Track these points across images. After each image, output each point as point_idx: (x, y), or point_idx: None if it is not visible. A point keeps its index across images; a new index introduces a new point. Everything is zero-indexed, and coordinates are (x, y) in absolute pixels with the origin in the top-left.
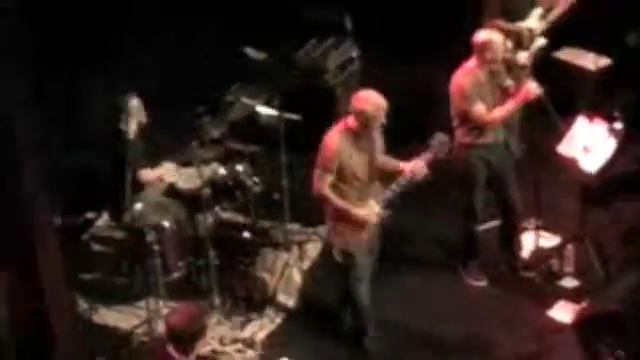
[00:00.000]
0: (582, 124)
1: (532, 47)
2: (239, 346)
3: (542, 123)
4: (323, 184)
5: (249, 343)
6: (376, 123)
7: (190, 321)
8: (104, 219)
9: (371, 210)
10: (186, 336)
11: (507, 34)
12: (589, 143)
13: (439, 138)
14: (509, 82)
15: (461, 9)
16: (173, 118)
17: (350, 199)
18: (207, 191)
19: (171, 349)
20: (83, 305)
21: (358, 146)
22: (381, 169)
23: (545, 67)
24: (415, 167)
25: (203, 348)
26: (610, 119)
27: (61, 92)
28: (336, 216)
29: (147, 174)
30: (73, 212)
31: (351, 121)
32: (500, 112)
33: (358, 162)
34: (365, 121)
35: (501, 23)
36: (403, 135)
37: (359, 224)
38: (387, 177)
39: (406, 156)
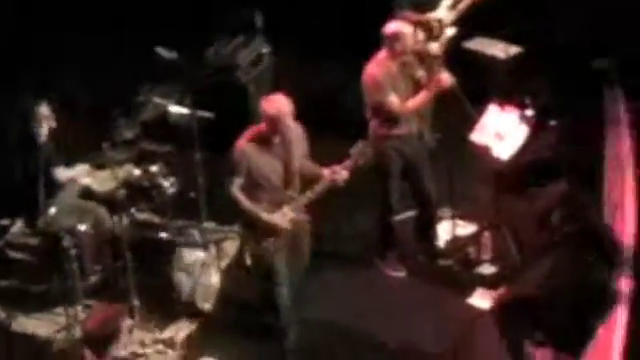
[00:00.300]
0: (493, 112)
1: (442, 37)
2: (159, 347)
3: (455, 112)
4: (232, 186)
5: (169, 344)
6: (282, 126)
7: (103, 324)
8: (19, 225)
9: (283, 216)
10: (100, 339)
11: (417, 25)
12: (501, 130)
13: (360, 146)
14: (421, 73)
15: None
16: (87, 121)
17: (262, 204)
18: (122, 192)
19: (87, 352)
20: (1, 314)
21: (271, 151)
22: (301, 174)
23: (457, 57)
24: (335, 174)
25: (122, 350)
26: (521, 106)
27: None
28: (247, 219)
29: (62, 173)
30: None
31: (262, 127)
32: (413, 103)
33: (271, 167)
34: (272, 124)
35: (410, 14)
36: (318, 131)
37: (270, 229)
38: (308, 183)
39: (326, 153)
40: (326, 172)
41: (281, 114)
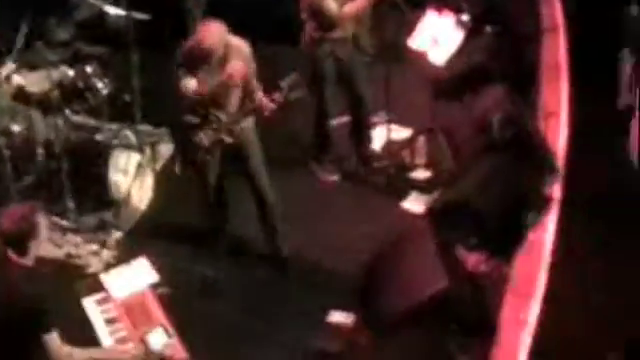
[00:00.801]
0: (431, 17)
1: None
2: (94, 247)
3: (393, 17)
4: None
5: (103, 244)
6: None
7: (17, 222)
8: None
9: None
10: (16, 237)
11: None
12: (437, 36)
13: (292, 79)
14: None
15: None
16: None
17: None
18: (55, 93)
19: (10, 253)
20: None
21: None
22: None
23: None
24: (264, 103)
25: (47, 248)
26: (458, 11)
27: None
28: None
29: None
30: None
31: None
32: (351, 7)
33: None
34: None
35: None
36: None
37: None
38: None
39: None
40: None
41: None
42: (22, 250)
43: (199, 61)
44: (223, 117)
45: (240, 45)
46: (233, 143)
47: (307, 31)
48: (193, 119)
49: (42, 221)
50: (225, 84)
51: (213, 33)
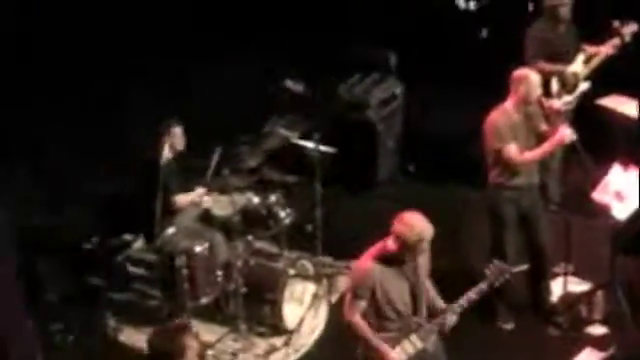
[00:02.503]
0: (617, 171)
1: (576, 91)
2: None
3: (578, 168)
4: (352, 311)
5: None
6: (418, 250)
7: (166, 340)
8: (140, 242)
9: (410, 347)
10: (161, 355)
11: (552, 76)
12: (622, 190)
13: (496, 267)
14: (545, 127)
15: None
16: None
17: (388, 332)
18: (237, 218)
19: None
20: (111, 323)
21: (398, 273)
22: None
23: (587, 112)
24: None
25: None
26: None
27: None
28: (366, 346)
29: (181, 199)
30: (114, 234)
31: (390, 244)
32: (532, 154)
33: (397, 291)
34: (405, 247)
35: (545, 64)
36: (444, 177)
37: None
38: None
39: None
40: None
41: (423, 239)
42: None
43: (402, 251)
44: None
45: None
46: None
47: (490, 176)
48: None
49: (192, 344)
50: (417, 288)
51: (421, 223)
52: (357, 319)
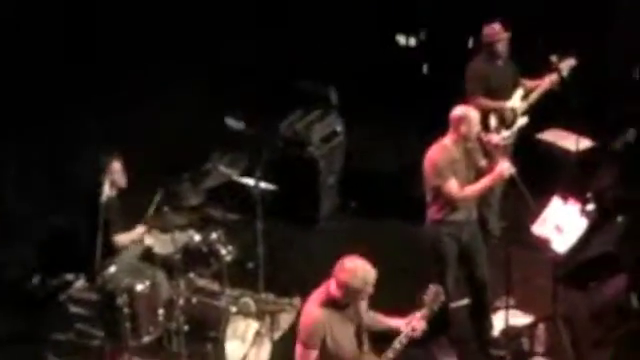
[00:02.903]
0: (556, 204)
1: (514, 126)
2: None
3: (517, 201)
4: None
5: None
6: (363, 296)
7: None
8: (81, 281)
9: None
10: None
11: (490, 112)
12: (561, 223)
13: (432, 291)
14: (483, 162)
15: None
16: (154, 184)
17: None
18: (177, 257)
19: None
20: None
21: (343, 318)
22: (371, 330)
23: (526, 146)
24: (413, 326)
25: None
26: (584, 200)
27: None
28: None
29: (122, 238)
30: (55, 273)
31: (334, 290)
32: (472, 189)
33: (345, 336)
34: (350, 295)
35: (483, 100)
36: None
37: None
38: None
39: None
40: (402, 325)
41: (367, 284)
42: None
43: (346, 297)
44: None
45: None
46: None
47: (429, 213)
48: None
49: None
50: (361, 325)
51: (364, 269)
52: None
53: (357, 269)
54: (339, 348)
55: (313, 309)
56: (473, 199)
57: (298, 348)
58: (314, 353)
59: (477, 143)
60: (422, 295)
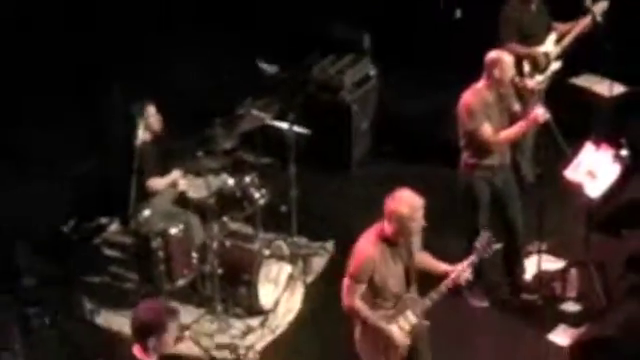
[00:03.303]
0: (589, 150)
1: (548, 71)
2: (234, 355)
3: (551, 148)
4: (352, 295)
5: (244, 353)
6: (414, 226)
7: (149, 315)
8: (116, 225)
9: (406, 324)
10: (139, 328)
11: (524, 58)
12: (594, 169)
13: (484, 238)
14: (517, 106)
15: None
16: (189, 129)
17: (384, 312)
18: (212, 201)
19: (135, 349)
20: (87, 306)
21: (395, 255)
22: (419, 270)
23: (560, 91)
24: (460, 272)
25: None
26: (617, 146)
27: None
28: (364, 331)
29: (156, 182)
30: (90, 217)
31: (386, 226)
32: (506, 134)
33: (394, 274)
34: (401, 224)
35: (517, 46)
36: (420, 157)
37: (391, 342)
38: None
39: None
40: (450, 271)
41: (415, 211)
42: (141, 341)
43: (397, 229)
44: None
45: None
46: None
47: (463, 157)
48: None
49: (172, 324)
50: (411, 265)
51: (411, 197)
52: (358, 304)
53: (403, 196)
54: (385, 285)
55: (366, 245)
56: (507, 144)
57: (346, 281)
58: (361, 287)
59: (511, 88)
60: (475, 242)
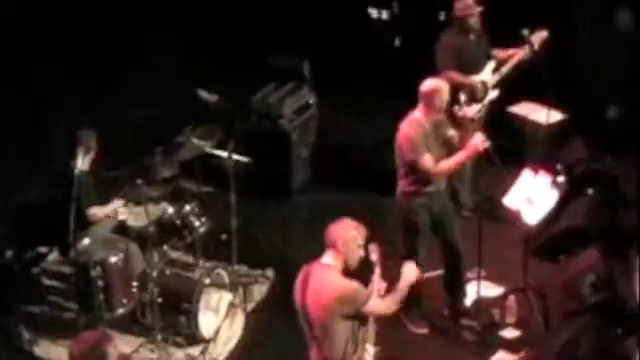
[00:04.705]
0: (527, 176)
1: (485, 99)
2: None
3: (489, 174)
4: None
5: None
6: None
7: (87, 349)
8: (55, 254)
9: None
10: None
11: (461, 86)
12: (532, 196)
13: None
14: (452, 132)
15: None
16: (128, 158)
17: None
18: (152, 229)
19: None
20: (26, 336)
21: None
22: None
23: (499, 119)
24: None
25: None
26: (554, 172)
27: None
28: None
29: (96, 211)
30: (28, 246)
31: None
32: (448, 164)
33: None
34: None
35: (455, 74)
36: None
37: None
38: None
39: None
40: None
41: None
42: None
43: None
44: None
45: None
46: None
47: (400, 186)
48: None
49: (112, 352)
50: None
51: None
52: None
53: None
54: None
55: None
56: (448, 173)
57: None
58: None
59: (444, 115)
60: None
